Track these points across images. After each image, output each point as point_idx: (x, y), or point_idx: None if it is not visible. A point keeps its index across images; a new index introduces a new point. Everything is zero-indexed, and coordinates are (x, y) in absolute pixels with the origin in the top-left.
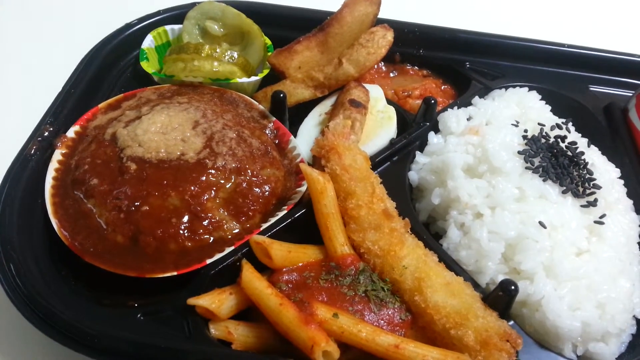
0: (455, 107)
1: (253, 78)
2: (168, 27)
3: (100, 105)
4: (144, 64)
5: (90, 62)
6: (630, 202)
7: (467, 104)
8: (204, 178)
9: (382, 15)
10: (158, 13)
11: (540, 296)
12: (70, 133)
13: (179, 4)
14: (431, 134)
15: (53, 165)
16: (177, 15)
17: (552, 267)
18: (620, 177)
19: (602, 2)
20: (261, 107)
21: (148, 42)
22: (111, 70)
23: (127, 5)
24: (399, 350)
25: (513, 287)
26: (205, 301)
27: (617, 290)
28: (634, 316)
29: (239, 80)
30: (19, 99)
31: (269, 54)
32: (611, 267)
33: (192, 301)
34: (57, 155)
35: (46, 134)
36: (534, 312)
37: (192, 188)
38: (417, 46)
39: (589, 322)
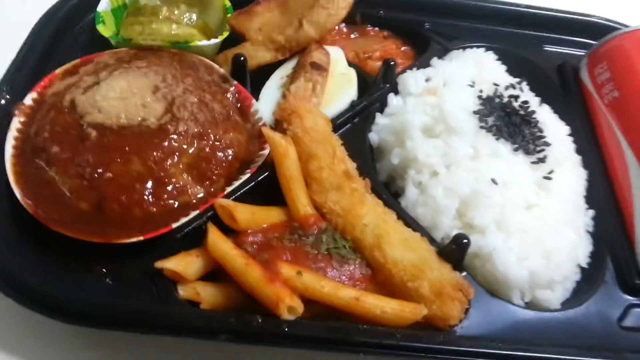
0: (415, 69)
1: (213, 41)
2: None
3: (57, 71)
4: (100, 28)
5: (45, 27)
6: (579, 157)
7: (426, 65)
8: (166, 144)
9: None
10: None
11: (491, 248)
12: (28, 100)
13: None
14: (391, 96)
15: (12, 133)
16: None
17: (503, 221)
18: (570, 135)
19: None
20: (222, 70)
21: (104, 5)
22: (66, 35)
23: None
24: (359, 302)
25: (465, 241)
26: (173, 264)
27: (562, 240)
28: (578, 264)
29: (198, 43)
30: None
31: (229, 15)
32: (558, 220)
33: (159, 264)
34: (16, 124)
35: (2, 102)
36: (485, 263)
37: (155, 154)
38: (378, 7)
39: (535, 271)
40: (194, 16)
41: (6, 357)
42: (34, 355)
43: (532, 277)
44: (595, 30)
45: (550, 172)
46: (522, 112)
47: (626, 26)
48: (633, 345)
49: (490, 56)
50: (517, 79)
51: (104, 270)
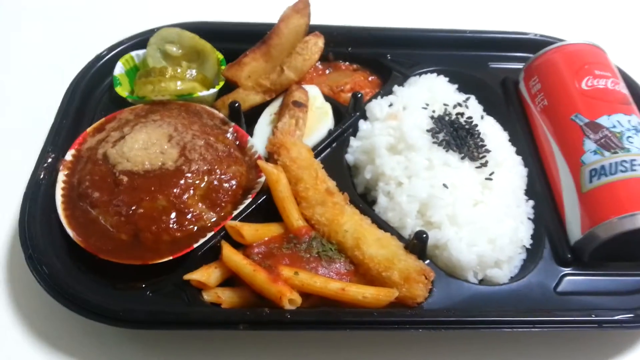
0: (379, 97)
1: (211, 90)
2: (133, 53)
3: (88, 130)
4: (118, 89)
5: (74, 94)
6: (519, 158)
7: (389, 92)
8: (182, 181)
9: (315, 22)
10: (123, 42)
11: (446, 239)
12: (68, 157)
13: (139, 32)
14: (361, 122)
15: (59, 185)
16: (139, 42)
17: (454, 217)
18: (509, 140)
19: None
20: (221, 115)
21: (119, 69)
22: (91, 98)
23: (94, 36)
24: (345, 292)
25: (425, 236)
26: (197, 275)
27: (504, 228)
28: (523, 246)
29: (199, 94)
30: (18, 135)
31: (222, 67)
32: (499, 212)
33: (187, 277)
34: (61, 176)
35: (49, 160)
36: (443, 252)
37: (175, 190)
38: (347, 45)
39: (483, 254)
40: (194, 71)
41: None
42: (97, 354)
43: (480, 259)
44: (532, 45)
45: (491, 174)
46: (467, 127)
47: (560, 40)
48: (564, 306)
49: (442, 79)
50: (465, 97)
51: (143, 285)
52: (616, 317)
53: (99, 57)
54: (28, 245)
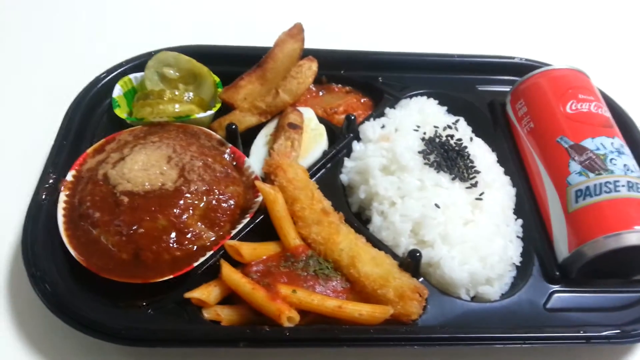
0: (372, 119)
1: (208, 112)
2: (132, 76)
3: (88, 151)
4: (117, 111)
5: (74, 115)
6: (507, 178)
7: (381, 114)
8: (182, 202)
9: (308, 46)
10: (121, 65)
11: (439, 258)
12: (69, 177)
13: (137, 55)
14: (354, 143)
15: (61, 205)
16: (138, 65)
17: (446, 236)
18: (497, 161)
19: (482, 15)
20: (218, 136)
21: (117, 91)
22: (90, 119)
23: (92, 58)
24: (341, 309)
25: (418, 254)
26: (197, 293)
27: (494, 246)
28: (513, 263)
29: (197, 115)
30: (19, 155)
31: (219, 90)
32: (489, 231)
33: (187, 295)
34: (63, 197)
35: (50, 181)
36: (436, 270)
37: (175, 210)
38: (340, 68)
39: (474, 272)
40: (191, 94)
41: None
42: None
43: (472, 277)
44: (519, 69)
45: (481, 194)
46: (457, 148)
47: (545, 64)
48: (554, 322)
49: (431, 102)
50: (454, 119)
51: (144, 303)
52: (604, 333)
53: (98, 80)
54: (31, 264)
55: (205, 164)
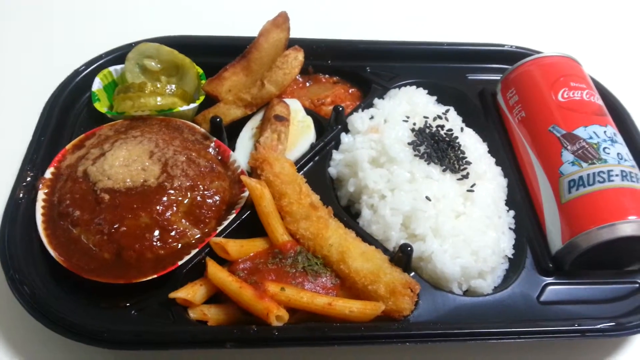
0: (360, 110)
1: (192, 105)
2: (112, 68)
3: (67, 147)
4: (96, 105)
5: (51, 111)
6: (498, 168)
7: (370, 105)
8: (165, 198)
9: (294, 35)
10: (101, 57)
11: (430, 252)
12: (48, 175)
13: (117, 46)
14: (343, 135)
15: (39, 203)
16: (118, 57)
17: (438, 229)
18: (488, 152)
19: (472, 2)
20: (202, 129)
21: (97, 85)
22: (69, 114)
23: (70, 51)
24: (331, 306)
25: (409, 248)
26: (182, 293)
27: (486, 239)
28: (505, 256)
29: (180, 108)
30: None
31: (203, 81)
32: (481, 223)
33: (172, 295)
34: (41, 195)
35: (28, 179)
36: (427, 264)
37: (158, 207)
38: (326, 58)
39: (466, 266)
40: (174, 86)
41: None
42: None
43: (464, 271)
44: (509, 57)
45: (473, 186)
46: (447, 139)
47: (536, 52)
48: (548, 315)
49: (421, 91)
50: (444, 109)
51: (128, 304)
52: (599, 326)
53: (76, 73)
54: (9, 265)
55: (189, 158)
